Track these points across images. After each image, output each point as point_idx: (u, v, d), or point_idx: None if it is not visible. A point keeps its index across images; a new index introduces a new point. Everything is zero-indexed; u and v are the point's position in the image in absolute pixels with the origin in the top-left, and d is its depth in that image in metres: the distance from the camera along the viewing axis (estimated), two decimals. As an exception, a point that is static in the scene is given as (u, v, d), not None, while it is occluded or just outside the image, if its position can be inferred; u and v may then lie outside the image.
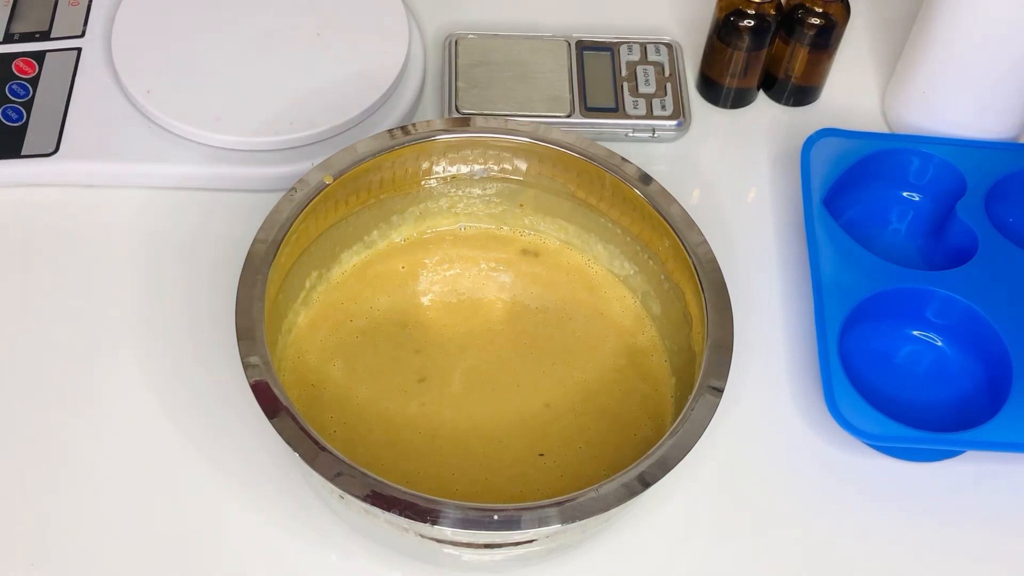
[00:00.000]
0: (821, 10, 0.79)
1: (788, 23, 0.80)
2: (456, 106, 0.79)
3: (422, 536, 0.58)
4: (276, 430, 0.57)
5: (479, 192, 0.72)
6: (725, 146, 0.83)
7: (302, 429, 0.57)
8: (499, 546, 0.59)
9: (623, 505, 0.56)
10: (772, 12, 0.79)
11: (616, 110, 0.80)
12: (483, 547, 0.59)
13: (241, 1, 0.81)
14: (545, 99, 0.80)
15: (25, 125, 0.76)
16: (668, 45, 0.84)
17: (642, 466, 0.57)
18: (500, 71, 0.81)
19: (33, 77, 0.78)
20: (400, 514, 0.55)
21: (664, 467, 0.57)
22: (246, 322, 0.60)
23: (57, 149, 0.75)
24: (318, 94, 0.77)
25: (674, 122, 0.80)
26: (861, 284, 0.71)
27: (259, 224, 0.64)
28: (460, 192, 0.72)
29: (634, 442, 0.66)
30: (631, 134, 0.80)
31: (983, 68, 0.76)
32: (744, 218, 0.78)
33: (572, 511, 0.55)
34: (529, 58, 0.82)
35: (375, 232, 0.72)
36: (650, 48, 0.84)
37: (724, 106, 0.84)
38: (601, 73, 0.82)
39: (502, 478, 0.64)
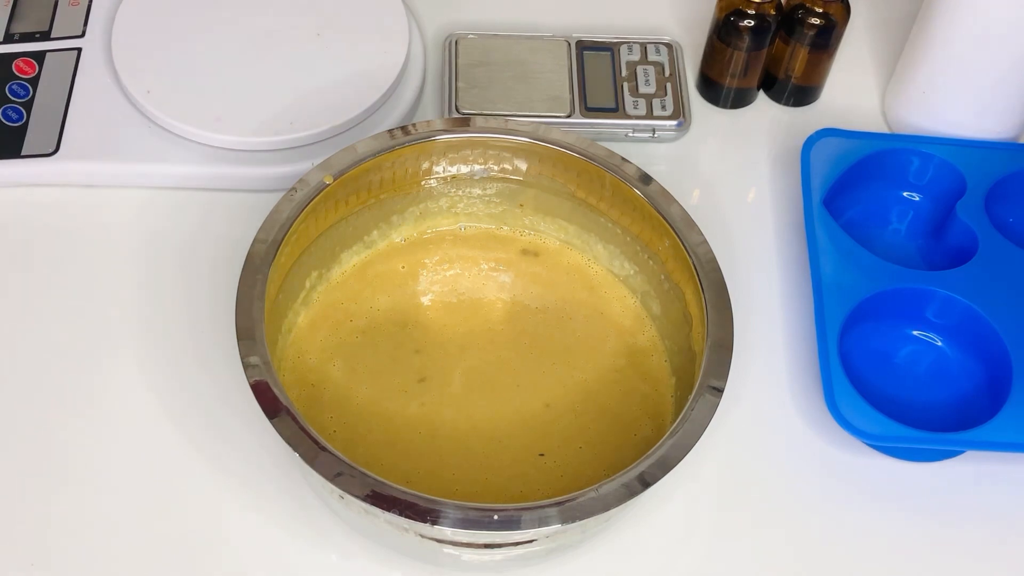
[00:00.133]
0: (821, 10, 0.79)
1: (788, 23, 0.80)
2: (456, 106, 0.79)
3: (422, 536, 0.58)
4: (276, 430, 0.57)
5: (479, 192, 0.72)
6: (725, 146, 0.83)
7: (302, 429, 0.57)
8: (499, 546, 0.59)
9: (623, 505, 0.56)
10: (772, 12, 0.79)
11: (616, 110, 0.80)
12: (483, 547, 0.59)
13: (241, 1, 0.81)
14: (545, 99, 0.80)
15: (25, 125, 0.76)
16: (668, 45, 0.84)
17: (642, 466, 0.57)
18: (500, 71, 0.81)
19: (33, 77, 0.78)
20: (400, 514, 0.55)
21: (664, 467, 0.57)
22: (246, 322, 0.60)
23: (57, 149, 0.75)
24: (318, 94, 0.77)
25: (674, 122, 0.80)
26: (861, 284, 0.71)
27: (259, 224, 0.64)
28: (460, 192, 0.72)
29: (634, 442, 0.66)
30: (631, 134, 0.80)
31: (983, 68, 0.76)
32: (744, 218, 0.78)
33: (572, 511, 0.55)
34: (529, 58, 0.82)
35: (375, 232, 0.72)
36: (650, 48, 0.84)
37: (724, 106, 0.84)
38: (601, 73, 0.82)
39: (502, 478, 0.64)
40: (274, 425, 0.57)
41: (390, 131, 0.69)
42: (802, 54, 0.81)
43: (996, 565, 0.66)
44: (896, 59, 0.84)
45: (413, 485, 0.56)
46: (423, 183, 0.71)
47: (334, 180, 0.66)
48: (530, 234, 0.73)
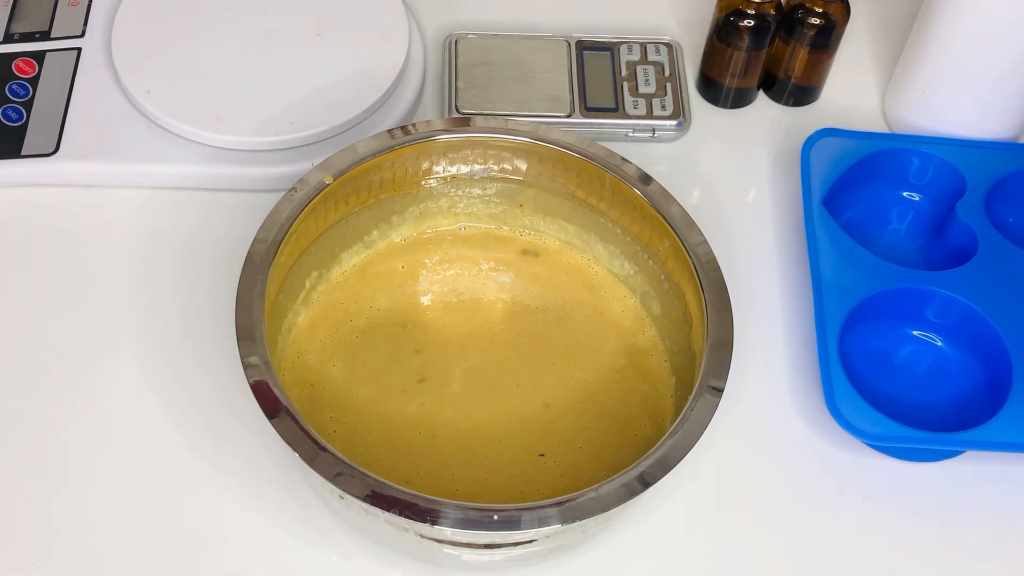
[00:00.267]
0: (821, 10, 0.79)
1: (788, 23, 0.80)
2: (456, 106, 0.79)
3: (422, 536, 0.58)
4: (276, 430, 0.57)
5: (479, 192, 0.72)
6: (725, 146, 0.83)
7: (302, 429, 0.57)
8: (499, 546, 0.59)
9: (623, 505, 0.56)
10: (772, 12, 0.79)
11: (616, 110, 0.80)
12: (483, 547, 0.59)
13: (241, 1, 0.81)
14: (545, 99, 0.80)
15: (25, 125, 0.76)
16: (668, 45, 0.84)
17: (642, 466, 0.57)
18: (500, 71, 0.81)
19: (33, 77, 0.78)
20: (400, 514, 0.55)
21: (664, 467, 0.57)
22: (246, 322, 0.60)
23: (57, 149, 0.75)
24: (318, 94, 0.77)
25: (674, 122, 0.80)
26: (861, 284, 0.71)
27: (259, 224, 0.64)
28: (460, 192, 0.72)
29: (634, 442, 0.66)
30: (631, 134, 0.80)
31: (983, 68, 0.76)
32: (744, 218, 0.78)
33: (572, 511, 0.55)
34: (529, 58, 0.82)
35: (375, 232, 0.72)
36: (650, 48, 0.84)
37: (724, 106, 0.84)
38: (601, 73, 0.82)
39: (502, 478, 0.64)
40: (274, 425, 0.57)
41: (390, 131, 0.69)
42: (802, 54, 0.81)
43: (996, 565, 0.66)
44: (896, 59, 0.84)
45: (413, 485, 0.57)
46: (423, 183, 0.71)
47: (334, 180, 0.66)
48: (530, 234, 0.73)
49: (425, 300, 0.71)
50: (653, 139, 0.81)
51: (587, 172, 0.69)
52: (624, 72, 0.82)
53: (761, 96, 0.85)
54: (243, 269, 0.62)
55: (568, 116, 0.80)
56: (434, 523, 0.55)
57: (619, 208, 0.69)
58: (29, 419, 0.67)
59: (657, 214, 0.67)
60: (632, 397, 0.67)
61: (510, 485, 0.64)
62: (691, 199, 0.79)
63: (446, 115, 0.79)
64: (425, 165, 0.70)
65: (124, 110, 0.77)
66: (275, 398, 0.58)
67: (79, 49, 0.79)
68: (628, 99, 0.81)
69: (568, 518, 0.55)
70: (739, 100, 0.84)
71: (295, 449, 0.56)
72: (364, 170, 0.67)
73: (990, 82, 0.77)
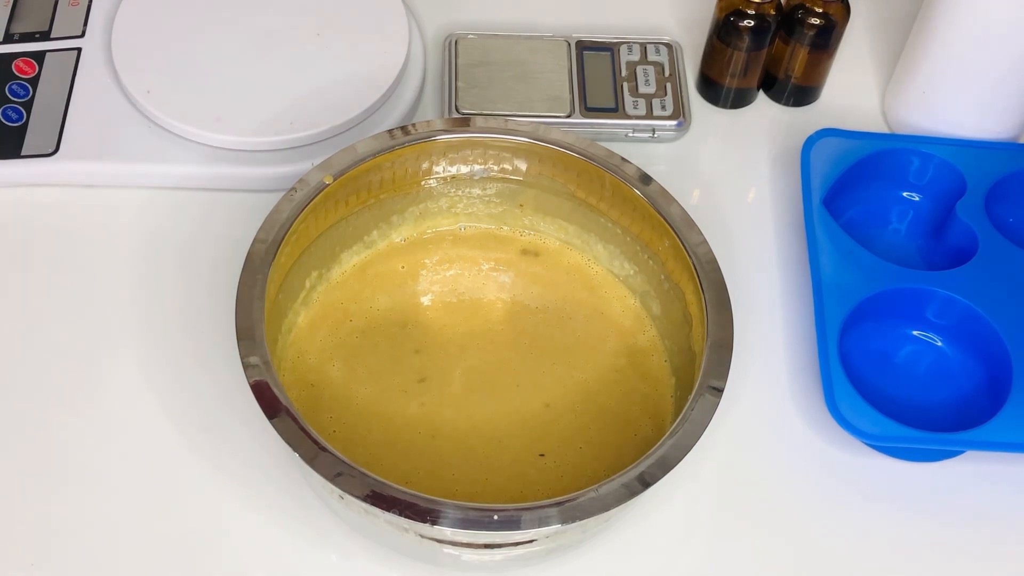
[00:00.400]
0: (821, 10, 0.79)
1: (788, 23, 0.80)
2: (456, 106, 0.79)
3: (422, 536, 0.58)
4: (276, 430, 0.57)
5: (479, 192, 0.72)
6: (725, 146, 0.83)
7: (302, 429, 0.57)
8: (499, 546, 0.59)
9: (623, 505, 0.56)
10: (772, 12, 0.79)
11: (616, 110, 0.80)
12: (483, 547, 0.59)
13: (241, 1, 0.81)
14: (545, 99, 0.80)
15: (25, 125, 0.76)
16: (668, 45, 0.84)
17: (642, 466, 0.57)
18: (500, 71, 0.81)
19: (33, 77, 0.78)
20: (400, 514, 0.55)
21: (664, 467, 0.57)
22: (246, 322, 0.60)
23: (57, 149, 0.75)
24: (318, 94, 0.77)
25: (674, 122, 0.80)
26: (861, 284, 0.71)
27: (259, 224, 0.64)
28: (460, 192, 0.72)
29: (634, 442, 0.66)
30: (631, 134, 0.80)
31: (983, 68, 0.76)
32: (744, 218, 0.78)
33: (572, 511, 0.55)
34: (529, 58, 0.82)
35: (375, 232, 0.72)
36: (650, 48, 0.84)
37: (724, 106, 0.84)
38: (601, 73, 0.82)
39: (502, 478, 0.64)
40: (274, 425, 0.57)
41: (390, 131, 0.69)
42: (802, 54, 0.81)
43: (996, 565, 0.66)
44: (896, 59, 0.84)
45: (413, 485, 0.56)
46: (423, 183, 0.71)
47: (334, 180, 0.66)
48: (530, 234, 0.73)
49: (425, 300, 0.71)
50: (653, 139, 0.81)
51: (587, 172, 0.69)
52: (624, 72, 0.82)
53: (761, 96, 0.85)
54: (243, 269, 0.62)
55: (568, 116, 0.80)
56: (434, 523, 0.55)
57: (619, 208, 0.69)
58: (29, 419, 0.67)
59: (657, 214, 0.67)
60: (632, 397, 0.67)
61: (510, 485, 0.64)
62: (691, 199, 0.79)
63: (446, 115, 0.79)
64: (425, 165, 0.70)
65: (124, 110, 0.77)
66: (275, 398, 0.58)
67: (79, 49, 0.79)
68: (628, 99, 0.81)
69: (568, 518, 0.55)
70: (739, 100, 0.84)
71: (295, 449, 0.56)
72: (364, 170, 0.67)
73: (990, 82, 0.77)
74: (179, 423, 0.67)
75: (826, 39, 0.81)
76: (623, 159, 0.69)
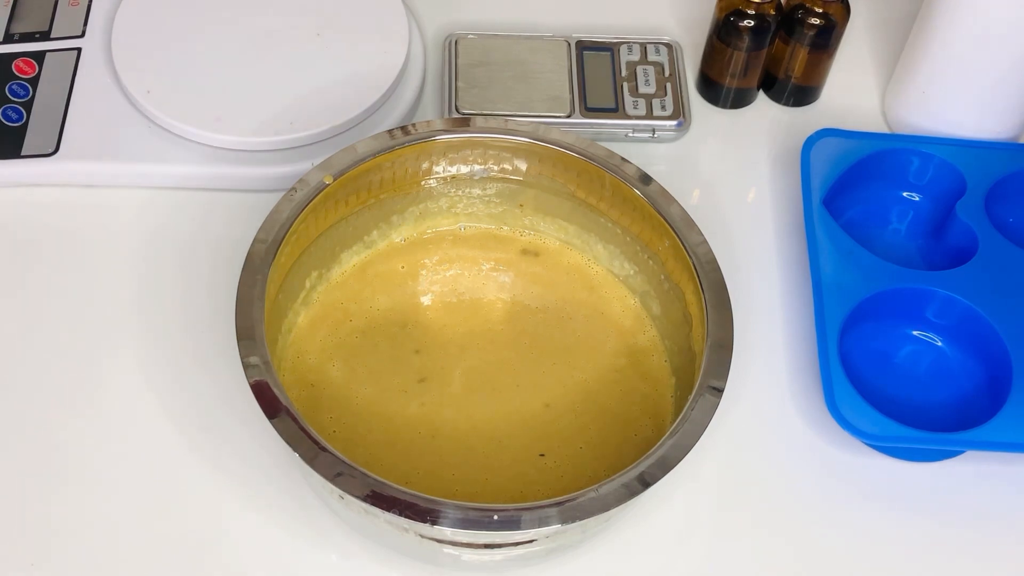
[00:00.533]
0: (821, 10, 0.79)
1: (788, 23, 0.80)
2: (456, 106, 0.79)
3: (422, 536, 0.58)
4: (276, 430, 0.57)
5: (479, 192, 0.72)
6: (725, 146, 0.83)
7: (302, 429, 0.57)
8: (499, 546, 0.59)
9: (623, 505, 0.56)
10: (772, 12, 0.79)
11: (616, 110, 0.80)
12: (483, 547, 0.59)
13: (241, 1, 0.81)
14: (545, 99, 0.80)
15: (25, 125, 0.76)
16: (668, 45, 0.84)
17: (642, 466, 0.57)
18: (500, 71, 0.81)
19: (33, 77, 0.78)
20: (400, 514, 0.55)
21: (664, 467, 0.57)
22: (246, 322, 0.60)
23: (57, 149, 0.75)
24: (318, 94, 0.77)
25: (674, 122, 0.80)
26: (861, 284, 0.71)
27: (259, 224, 0.64)
28: (460, 192, 0.72)
29: (634, 442, 0.66)
30: (631, 134, 0.80)
31: (983, 68, 0.76)
32: (744, 218, 0.78)
33: (572, 511, 0.55)
34: (529, 58, 0.82)
35: (375, 232, 0.72)
36: (650, 48, 0.84)
37: (724, 106, 0.84)
38: (601, 73, 0.82)
39: (502, 478, 0.64)
40: (274, 425, 0.57)
41: (390, 131, 0.69)
42: (802, 54, 0.81)
43: (996, 565, 0.66)
44: (896, 59, 0.84)
45: (413, 485, 0.56)
46: (423, 183, 0.71)
47: (334, 180, 0.66)
48: (530, 234, 0.73)
49: (425, 300, 0.71)
50: (653, 139, 0.81)
51: (587, 172, 0.69)
52: (624, 72, 0.82)
53: (761, 96, 0.85)
54: (243, 269, 0.62)
55: (568, 116, 0.80)
56: (434, 523, 0.55)
57: (619, 208, 0.69)
58: (29, 419, 0.67)
59: (657, 214, 0.67)
60: (632, 397, 0.67)
61: (510, 485, 0.64)
62: (691, 199, 0.79)
63: (446, 115, 0.79)
64: (425, 165, 0.70)
65: (124, 110, 0.77)
66: (275, 398, 0.58)
67: (79, 49, 0.79)
68: (628, 99, 0.81)
69: (568, 518, 0.55)
70: (739, 100, 0.84)
71: (295, 449, 0.56)
72: (364, 170, 0.67)
73: (990, 82, 0.77)
74: (179, 423, 0.67)
75: (826, 39, 0.81)
76: (623, 159, 0.69)
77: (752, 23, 0.79)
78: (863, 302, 0.70)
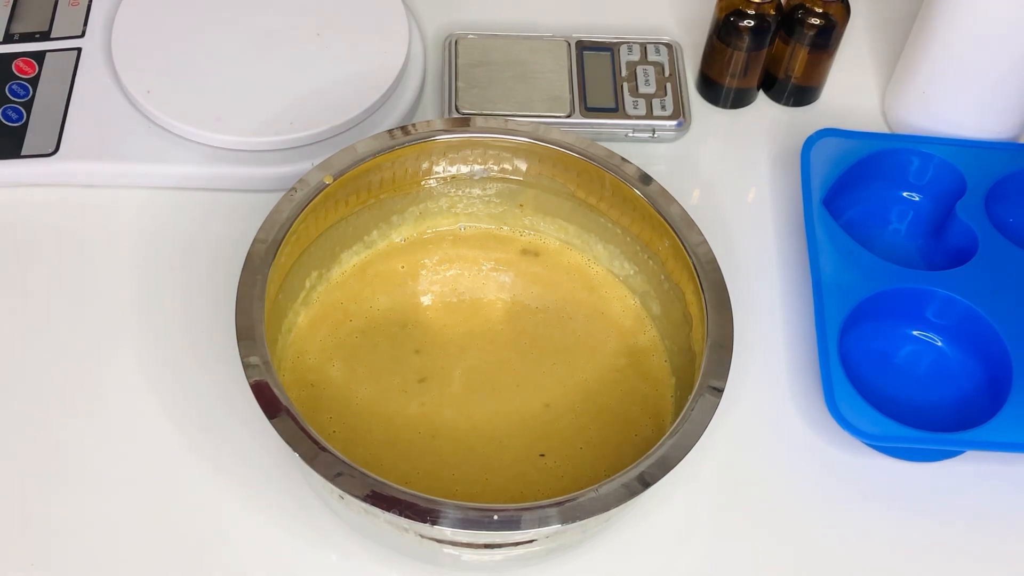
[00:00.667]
0: (821, 10, 0.79)
1: (788, 23, 0.80)
2: (456, 106, 0.79)
3: (422, 536, 0.58)
4: (276, 430, 0.57)
5: (479, 192, 0.72)
6: (725, 146, 0.83)
7: (302, 429, 0.57)
8: (499, 546, 0.59)
9: (623, 505, 0.56)
10: (772, 12, 0.79)
11: (616, 110, 0.80)
12: (483, 547, 0.59)
13: (241, 1, 0.81)
14: (545, 99, 0.80)
15: (25, 125, 0.76)
16: (668, 45, 0.84)
17: (642, 466, 0.57)
18: (500, 71, 0.81)
19: (33, 77, 0.78)
20: (400, 514, 0.55)
21: (664, 467, 0.57)
22: (246, 322, 0.60)
23: (57, 149, 0.75)
24: (318, 94, 0.77)
25: (674, 122, 0.80)
26: (861, 284, 0.71)
27: (259, 224, 0.64)
28: (460, 192, 0.72)
29: (634, 442, 0.66)
30: (631, 134, 0.80)
31: (983, 68, 0.76)
32: (744, 218, 0.78)
33: (572, 511, 0.55)
34: (529, 58, 0.82)
35: (375, 232, 0.72)
36: (650, 48, 0.84)
37: (724, 106, 0.84)
38: (601, 73, 0.82)
39: (502, 478, 0.64)
40: (274, 425, 0.57)
41: (390, 131, 0.69)
42: (802, 54, 0.81)
43: (996, 565, 0.66)
44: (896, 59, 0.84)
45: (413, 485, 0.56)
46: (423, 183, 0.71)
47: (334, 180, 0.66)
48: (530, 234, 0.73)
49: (425, 300, 0.71)
50: (653, 139, 0.81)
51: (587, 172, 0.69)
52: (624, 72, 0.82)
53: (761, 96, 0.85)
54: (243, 269, 0.62)
55: (568, 116, 0.80)
56: (434, 523, 0.55)
57: (619, 208, 0.69)
58: (29, 419, 0.67)
59: (657, 214, 0.67)
60: (632, 397, 0.67)
61: (510, 485, 0.64)
62: (691, 199, 0.79)
63: (446, 115, 0.79)
64: (425, 165, 0.70)
65: (124, 110, 0.77)
66: (275, 398, 0.58)
67: (79, 49, 0.79)
68: (628, 99, 0.81)
69: (568, 518, 0.55)
70: (739, 100, 0.84)
71: (295, 449, 0.56)
72: (364, 170, 0.67)
73: (990, 82, 0.77)
74: (179, 423, 0.67)
75: (826, 39, 0.81)
76: (623, 159, 0.69)
77: (752, 23, 0.79)
78: (863, 302, 0.70)
